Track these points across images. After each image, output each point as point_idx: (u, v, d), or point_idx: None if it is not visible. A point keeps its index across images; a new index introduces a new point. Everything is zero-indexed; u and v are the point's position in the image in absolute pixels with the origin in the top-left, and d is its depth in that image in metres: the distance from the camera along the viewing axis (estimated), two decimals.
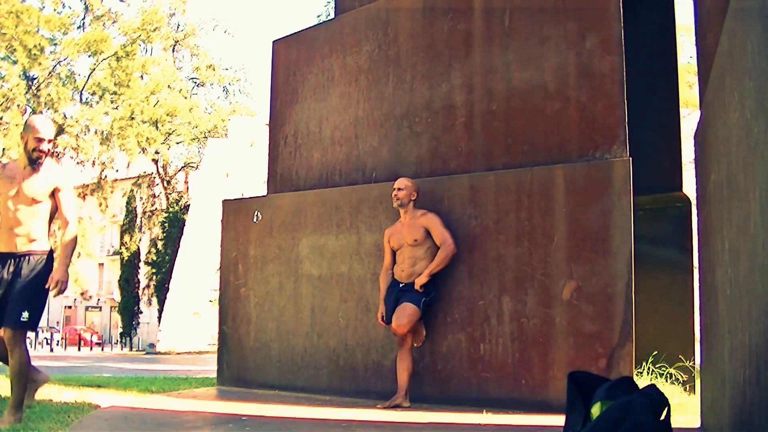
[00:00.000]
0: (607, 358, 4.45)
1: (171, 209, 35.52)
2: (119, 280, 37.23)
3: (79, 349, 33.78)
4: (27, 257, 4.00)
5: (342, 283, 5.78)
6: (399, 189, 5.15)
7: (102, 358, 24.07)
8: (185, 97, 36.22)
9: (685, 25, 8.66)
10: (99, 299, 48.79)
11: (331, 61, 6.48)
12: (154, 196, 37.93)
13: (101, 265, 48.55)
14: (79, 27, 31.96)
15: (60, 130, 30.85)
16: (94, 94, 32.07)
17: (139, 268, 36.84)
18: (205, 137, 36.27)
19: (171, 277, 30.07)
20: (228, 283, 6.61)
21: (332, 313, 5.79)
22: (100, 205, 32.57)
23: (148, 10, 32.61)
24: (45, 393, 5.91)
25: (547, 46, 5.13)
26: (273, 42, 7.10)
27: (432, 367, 5.18)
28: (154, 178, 37.86)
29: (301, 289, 6.02)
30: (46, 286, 3.97)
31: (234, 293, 6.52)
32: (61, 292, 3.99)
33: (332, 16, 9.39)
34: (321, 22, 13.27)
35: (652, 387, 2.33)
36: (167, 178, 37.64)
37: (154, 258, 35.15)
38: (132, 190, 37.90)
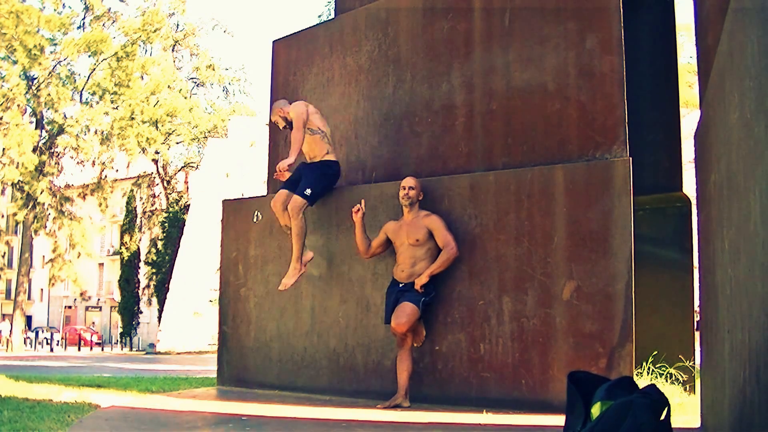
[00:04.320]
0: (607, 358, 4.45)
1: (171, 209, 35.53)
2: (119, 280, 37.23)
3: (79, 349, 33.79)
4: None
5: (342, 283, 5.77)
6: (410, 188, 5.14)
7: (102, 358, 24.08)
8: (185, 97, 36.22)
9: (685, 25, 8.65)
10: (99, 299, 48.80)
11: (331, 61, 6.47)
12: (154, 196, 37.93)
13: (101, 265, 48.56)
14: (79, 27, 31.97)
15: (60, 130, 30.86)
16: (94, 94, 32.05)
17: (139, 268, 36.84)
18: (205, 137, 36.28)
19: (171, 277, 30.07)
20: (228, 283, 6.61)
21: (332, 313, 5.79)
22: (100, 205, 32.53)
23: (148, 10, 32.59)
24: (45, 393, 5.92)
25: (547, 46, 5.13)
26: (273, 42, 7.10)
27: (432, 367, 5.18)
28: (154, 178, 37.86)
29: (301, 289, 6.01)
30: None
31: (234, 293, 6.52)
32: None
33: (332, 16, 9.39)
34: (321, 22, 13.27)
35: (652, 387, 2.33)
36: (167, 178, 37.64)
37: (154, 258, 35.15)
38: (132, 190, 37.90)
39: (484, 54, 5.45)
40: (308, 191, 5.53)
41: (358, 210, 5.27)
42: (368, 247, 5.33)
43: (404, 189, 5.16)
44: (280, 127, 5.92)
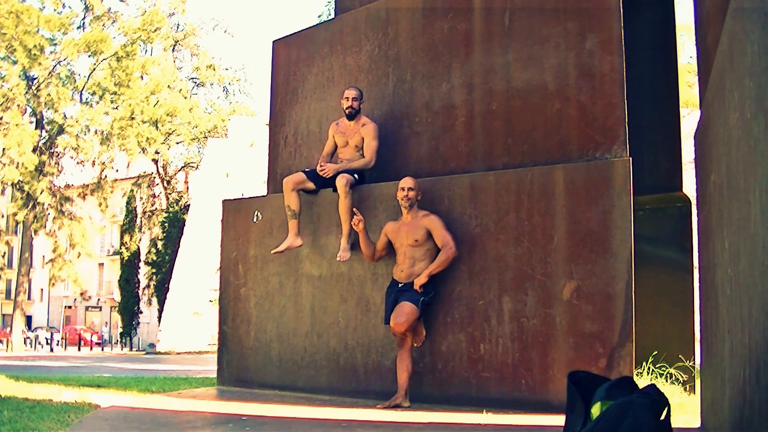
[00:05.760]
0: (607, 358, 4.45)
1: (171, 209, 35.54)
2: (119, 280, 37.24)
3: (79, 349, 33.80)
4: None
5: (342, 283, 5.77)
6: (410, 189, 5.14)
7: (102, 358, 24.08)
8: (185, 97, 36.22)
9: (685, 25, 8.65)
10: (99, 299, 48.80)
11: (331, 61, 6.47)
12: (154, 196, 37.95)
13: (101, 265, 48.56)
14: (79, 27, 31.97)
15: (60, 130, 30.87)
16: (94, 94, 32.04)
17: (139, 268, 36.85)
18: (205, 137, 36.29)
19: (171, 277, 30.08)
20: (228, 283, 6.61)
21: (332, 313, 5.79)
22: (100, 205, 32.54)
23: (149, 10, 32.59)
24: (45, 393, 5.92)
25: (547, 46, 5.13)
26: (273, 42, 7.10)
27: (432, 367, 5.18)
28: (154, 178, 37.87)
29: (301, 289, 6.02)
30: None
31: (234, 293, 6.52)
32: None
33: (332, 16, 9.39)
34: (321, 22, 13.28)
35: (652, 387, 2.33)
36: (167, 178, 37.65)
37: (154, 258, 35.16)
38: (132, 190, 37.91)
39: (484, 54, 5.45)
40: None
41: (358, 222, 5.25)
42: (374, 251, 5.31)
43: (403, 190, 5.15)
44: (349, 105, 5.74)
